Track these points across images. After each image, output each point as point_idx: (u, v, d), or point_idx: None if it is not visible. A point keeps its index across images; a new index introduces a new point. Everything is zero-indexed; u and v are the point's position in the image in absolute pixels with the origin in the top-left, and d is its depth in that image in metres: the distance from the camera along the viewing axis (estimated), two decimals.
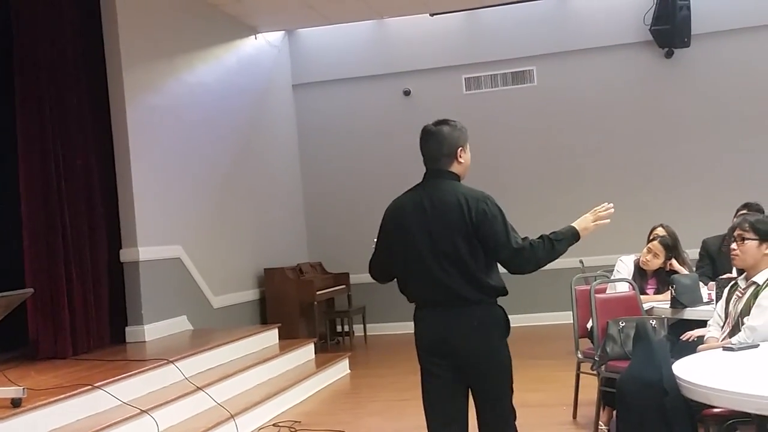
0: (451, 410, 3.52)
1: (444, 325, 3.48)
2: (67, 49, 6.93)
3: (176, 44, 8.41)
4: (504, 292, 3.49)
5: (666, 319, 5.12)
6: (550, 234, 3.48)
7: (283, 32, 11.20)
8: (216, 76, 9.21)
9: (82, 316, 6.76)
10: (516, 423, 3.60)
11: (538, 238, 3.47)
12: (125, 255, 7.41)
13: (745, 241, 3.90)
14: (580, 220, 3.60)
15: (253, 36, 10.32)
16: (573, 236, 3.53)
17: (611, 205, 3.60)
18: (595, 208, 3.62)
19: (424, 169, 3.67)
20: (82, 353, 6.61)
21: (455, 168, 3.56)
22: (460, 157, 3.56)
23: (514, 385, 3.59)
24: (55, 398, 4.90)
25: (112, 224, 7.39)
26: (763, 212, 5.96)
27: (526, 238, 3.46)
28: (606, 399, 5.10)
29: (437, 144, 3.56)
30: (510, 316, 3.62)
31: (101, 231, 7.19)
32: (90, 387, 5.18)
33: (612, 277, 5.90)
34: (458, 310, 3.44)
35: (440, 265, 3.42)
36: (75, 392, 5.06)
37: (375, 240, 3.77)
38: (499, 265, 3.51)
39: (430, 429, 3.56)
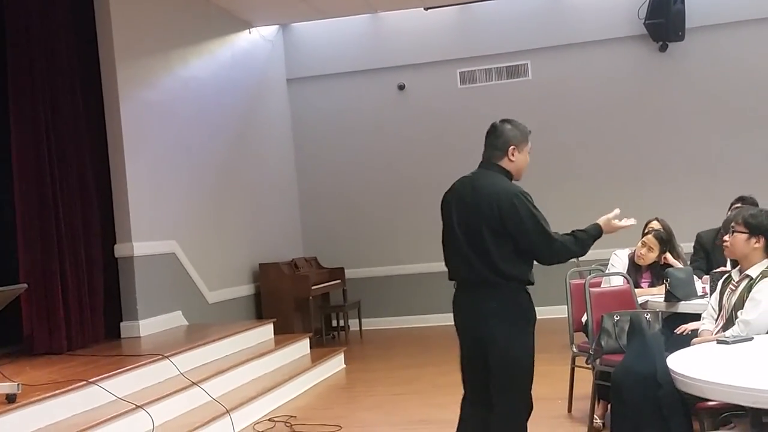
0: (473, 380, 3.86)
1: (464, 304, 3.84)
2: (60, 44, 6.91)
3: (170, 39, 8.39)
4: (525, 280, 3.74)
5: (660, 313, 5.14)
6: (578, 231, 3.78)
7: (277, 26, 11.18)
8: (210, 71, 9.19)
9: (77, 311, 6.75)
10: (525, 420, 3.71)
11: (569, 234, 3.77)
12: (120, 250, 7.40)
13: (735, 234, 3.92)
14: (605, 220, 3.87)
15: (247, 30, 10.31)
16: (598, 234, 3.81)
17: (633, 221, 3.89)
18: (621, 220, 3.88)
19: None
20: (77, 349, 6.60)
21: (505, 164, 3.83)
22: (512, 155, 3.81)
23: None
24: (50, 394, 4.89)
25: (107, 219, 7.37)
26: (757, 206, 5.97)
27: (556, 233, 3.74)
28: (601, 392, 5.11)
29: (494, 138, 3.85)
30: None
31: (95, 226, 7.17)
32: (85, 382, 5.17)
33: (607, 271, 5.91)
34: (479, 292, 3.74)
35: (468, 248, 3.74)
36: (70, 388, 5.06)
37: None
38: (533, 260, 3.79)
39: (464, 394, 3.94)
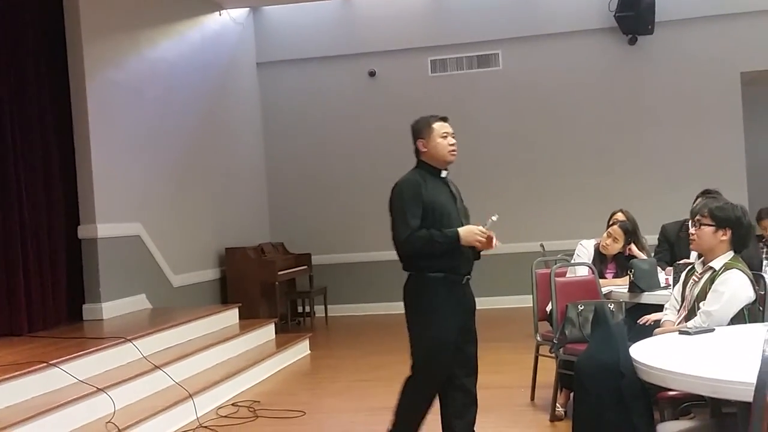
0: None
1: None
2: (25, 22, 6.79)
3: (138, 18, 8.27)
4: (416, 267, 4.00)
5: (624, 303, 5.18)
6: (440, 231, 3.92)
7: (248, 9, 11.08)
8: (179, 52, 9.09)
9: (39, 292, 6.67)
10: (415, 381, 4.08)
11: (432, 230, 3.92)
12: (83, 231, 7.31)
13: (702, 227, 3.94)
14: (467, 229, 3.97)
15: (218, 12, 10.20)
16: (455, 238, 3.92)
17: (497, 244, 3.95)
18: (485, 231, 3.95)
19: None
20: (38, 330, 6.53)
21: (423, 157, 4.11)
22: (423, 147, 4.09)
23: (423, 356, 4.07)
24: (10, 375, 4.83)
25: (71, 200, 7.28)
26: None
27: (422, 228, 3.91)
28: (564, 381, 5.15)
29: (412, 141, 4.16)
30: None
31: (59, 207, 7.08)
32: (46, 364, 5.10)
33: (572, 261, 5.95)
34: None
35: None
36: (30, 369, 5.00)
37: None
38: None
39: None
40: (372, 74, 11.21)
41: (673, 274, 5.00)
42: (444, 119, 4.10)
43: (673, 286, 4.62)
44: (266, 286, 9.45)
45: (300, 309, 10.75)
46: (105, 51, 7.60)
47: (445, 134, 4.04)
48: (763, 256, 5.43)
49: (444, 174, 4.09)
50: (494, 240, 3.94)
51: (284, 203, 11.37)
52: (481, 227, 3.96)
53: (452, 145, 4.04)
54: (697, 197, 6.20)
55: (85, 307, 7.28)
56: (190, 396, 5.71)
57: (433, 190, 3.96)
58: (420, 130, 4.08)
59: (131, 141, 7.94)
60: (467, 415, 4.06)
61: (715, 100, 10.39)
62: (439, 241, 3.89)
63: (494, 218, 3.96)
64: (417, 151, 4.12)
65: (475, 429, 4.09)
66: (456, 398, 4.04)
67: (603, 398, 3.24)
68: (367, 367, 7.42)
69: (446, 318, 3.98)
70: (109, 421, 4.97)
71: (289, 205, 11.35)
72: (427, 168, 4.07)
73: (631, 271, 5.30)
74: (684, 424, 3.55)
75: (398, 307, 4.15)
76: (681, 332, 3.61)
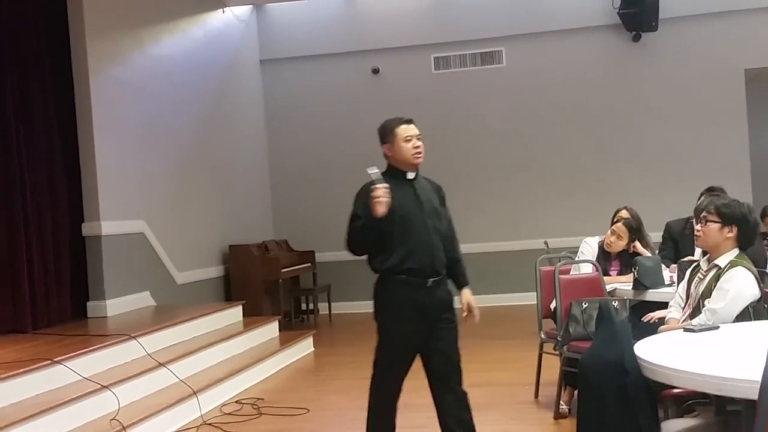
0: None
1: None
2: (29, 18, 6.79)
3: (142, 16, 8.27)
4: (375, 269, 4.09)
5: (628, 301, 5.18)
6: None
7: (251, 6, 11.07)
8: (182, 50, 9.09)
9: (43, 290, 6.67)
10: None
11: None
12: (87, 229, 7.32)
13: (708, 223, 3.93)
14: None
15: (221, 9, 10.19)
16: (369, 212, 3.85)
17: (385, 186, 3.86)
18: (375, 187, 3.90)
19: None
20: (43, 328, 6.54)
21: (390, 161, 4.09)
22: (389, 151, 4.08)
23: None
24: (15, 372, 4.83)
25: (75, 198, 7.28)
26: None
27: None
28: (567, 379, 5.15)
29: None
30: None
31: (63, 204, 7.09)
32: (50, 362, 5.11)
33: (576, 259, 5.94)
34: None
35: None
36: (35, 366, 5.00)
37: None
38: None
39: None
40: (375, 71, 11.20)
41: (678, 271, 4.99)
42: (409, 122, 4.06)
43: (678, 283, 4.61)
44: (270, 283, 9.46)
45: (304, 306, 10.76)
46: (108, 48, 7.60)
47: (408, 138, 4.00)
48: None
49: (411, 176, 4.05)
50: (382, 189, 3.84)
51: (288, 200, 11.36)
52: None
53: (417, 147, 4.00)
54: (702, 194, 6.20)
55: (89, 304, 7.29)
56: (194, 393, 5.72)
57: (393, 193, 3.90)
58: (384, 134, 4.06)
59: (135, 138, 7.94)
60: (460, 413, 4.04)
61: (719, 97, 10.37)
62: (359, 223, 3.91)
63: (369, 170, 3.93)
64: (385, 157, 4.12)
65: (474, 424, 4.06)
66: (444, 399, 4.04)
67: (607, 396, 3.23)
68: (371, 364, 7.40)
69: (403, 321, 4.03)
70: (113, 419, 4.98)
71: (293, 202, 11.35)
72: (393, 171, 4.06)
73: (635, 269, 5.30)
74: (688, 421, 3.55)
75: None
76: (685, 330, 3.61)
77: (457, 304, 4.07)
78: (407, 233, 3.92)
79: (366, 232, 3.89)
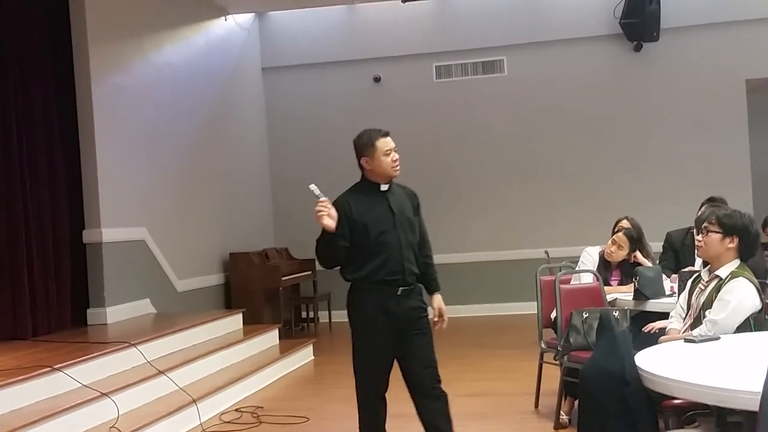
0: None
1: None
2: (32, 25, 6.80)
3: (144, 23, 8.29)
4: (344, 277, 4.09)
5: (629, 311, 5.17)
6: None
7: (253, 14, 11.10)
8: (184, 57, 9.10)
9: (43, 297, 6.67)
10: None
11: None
12: (88, 236, 7.32)
13: (710, 234, 3.93)
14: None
15: (223, 17, 10.21)
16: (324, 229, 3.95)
17: (323, 200, 3.95)
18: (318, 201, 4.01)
19: None
20: (43, 335, 6.53)
21: (367, 174, 4.12)
22: (367, 164, 4.08)
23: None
24: (15, 379, 4.83)
25: (76, 205, 7.28)
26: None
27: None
28: (568, 389, 5.14)
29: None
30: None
31: (64, 211, 7.09)
32: (50, 369, 5.11)
33: (577, 268, 5.94)
34: None
35: None
36: (34, 373, 4.99)
37: None
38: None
39: None
40: (377, 80, 11.22)
41: (678, 281, 4.99)
42: (386, 134, 4.09)
43: (678, 293, 4.61)
44: (270, 291, 9.45)
45: (304, 314, 10.75)
46: (111, 56, 7.61)
47: (388, 151, 4.03)
48: None
49: (384, 188, 4.09)
50: (319, 204, 3.94)
51: (288, 208, 11.35)
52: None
53: (395, 161, 4.05)
54: (702, 205, 6.21)
55: (89, 311, 7.28)
56: (194, 401, 5.71)
57: (365, 206, 4.00)
58: (363, 148, 4.06)
59: (136, 146, 7.95)
60: (438, 420, 4.06)
61: (720, 107, 10.37)
62: (320, 237, 3.98)
63: (311, 187, 4.01)
64: (361, 170, 4.14)
65: (450, 414, 4.09)
66: (423, 403, 4.07)
67: (607, 406, 3.23)
68: None
69: (374, 328, 4.02)
70: (112, 426, 4.97)
71: (294, 210, 11.32)
72: (367, 183, 4.11)
73: (636, 279, 5.30)
74: None
75: None
76: (686, 340, 3.61)
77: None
78: (379, 245, 3.98)
79: (326, 245, 3.98)
